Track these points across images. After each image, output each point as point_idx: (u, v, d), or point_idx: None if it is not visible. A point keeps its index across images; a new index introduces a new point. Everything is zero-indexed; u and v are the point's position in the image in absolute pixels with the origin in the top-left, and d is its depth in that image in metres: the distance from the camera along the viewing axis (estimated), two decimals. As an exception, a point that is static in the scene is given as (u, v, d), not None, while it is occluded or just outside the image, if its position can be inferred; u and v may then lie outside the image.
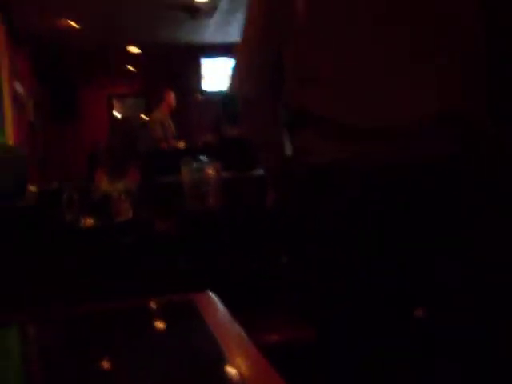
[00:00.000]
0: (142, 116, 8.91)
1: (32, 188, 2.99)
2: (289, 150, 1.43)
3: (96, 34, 7.28)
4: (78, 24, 6.80)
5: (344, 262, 1.18)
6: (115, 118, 9.43)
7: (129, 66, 9.50)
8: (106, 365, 0.89)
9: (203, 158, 2.31)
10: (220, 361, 0.82)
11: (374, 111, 1.15)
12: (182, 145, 6.49)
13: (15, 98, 6.04)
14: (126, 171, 2.70)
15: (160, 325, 1.08)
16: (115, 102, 9.73)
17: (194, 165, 2.27)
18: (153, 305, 1.16)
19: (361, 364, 1.20)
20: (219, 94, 7.94)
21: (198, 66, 8.76)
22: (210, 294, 1.10)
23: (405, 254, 1.16)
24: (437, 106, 1.14)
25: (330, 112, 1.19)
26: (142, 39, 7.95)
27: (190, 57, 8.68)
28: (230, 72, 1.48)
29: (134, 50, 8.56)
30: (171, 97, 6.90)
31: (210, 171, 2.25)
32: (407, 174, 1.14)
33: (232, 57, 1.42)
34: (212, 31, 7.71)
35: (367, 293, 1.17)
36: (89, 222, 2.21)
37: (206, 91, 8.79)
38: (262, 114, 1.39)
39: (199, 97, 8.82)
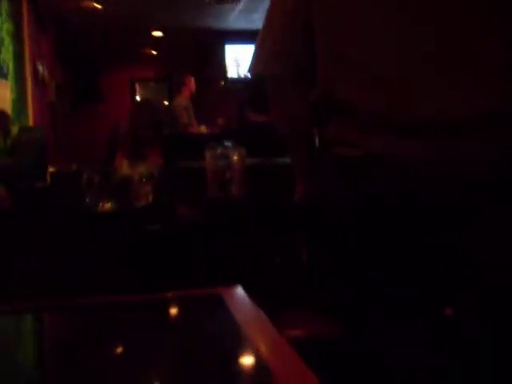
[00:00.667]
0: (164, 101, 8.91)
1: (52, 169, 2.96)
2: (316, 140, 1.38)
3: (120, 16, 7.24)
4: (101, 5, 6.76)
5: (378, 257, 1.14)
6: (138, 100, 9.46)
7: (152, 50, 9.48)
8: (128, 355, 0.84)
9: (228, 143, 2.24)
10: (249, 354, 0.80)
11: (418, 107, 1.08)
12: (203, 129, 6.50)
13: (37, 78, 6.02)
14: (148, 154, 2.64)
15: (187, 318, 1.03)
16: (137, 86, 9.75)
17: (219, 150, 2.19)
18: (179, 297, 1.11)
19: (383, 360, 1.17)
20: (243, 80, 7.89)
21: (221, 52, 8.70)
22: (238, 288, 1.06)
23: (438, 252, 1.11)
24: (486, 104, 1.06)
25: (372, 105, 1.12)
26: (165, 23, 7.90)
27: (214, 42, 8.63)
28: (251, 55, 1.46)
29: (157, 33, 8.52)
30: (191, 82, 6.91)
31: (235, 157, 2.17)
32: (448, 172, 1.07)
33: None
34: (237, 17, 7.64)
35: (400, 288, 1.13)
36: (107, 205, 2.15)
37: (229, 78, 8.73)
38: (291, 95, 1.32)
39: (222, 83, 8.77)
